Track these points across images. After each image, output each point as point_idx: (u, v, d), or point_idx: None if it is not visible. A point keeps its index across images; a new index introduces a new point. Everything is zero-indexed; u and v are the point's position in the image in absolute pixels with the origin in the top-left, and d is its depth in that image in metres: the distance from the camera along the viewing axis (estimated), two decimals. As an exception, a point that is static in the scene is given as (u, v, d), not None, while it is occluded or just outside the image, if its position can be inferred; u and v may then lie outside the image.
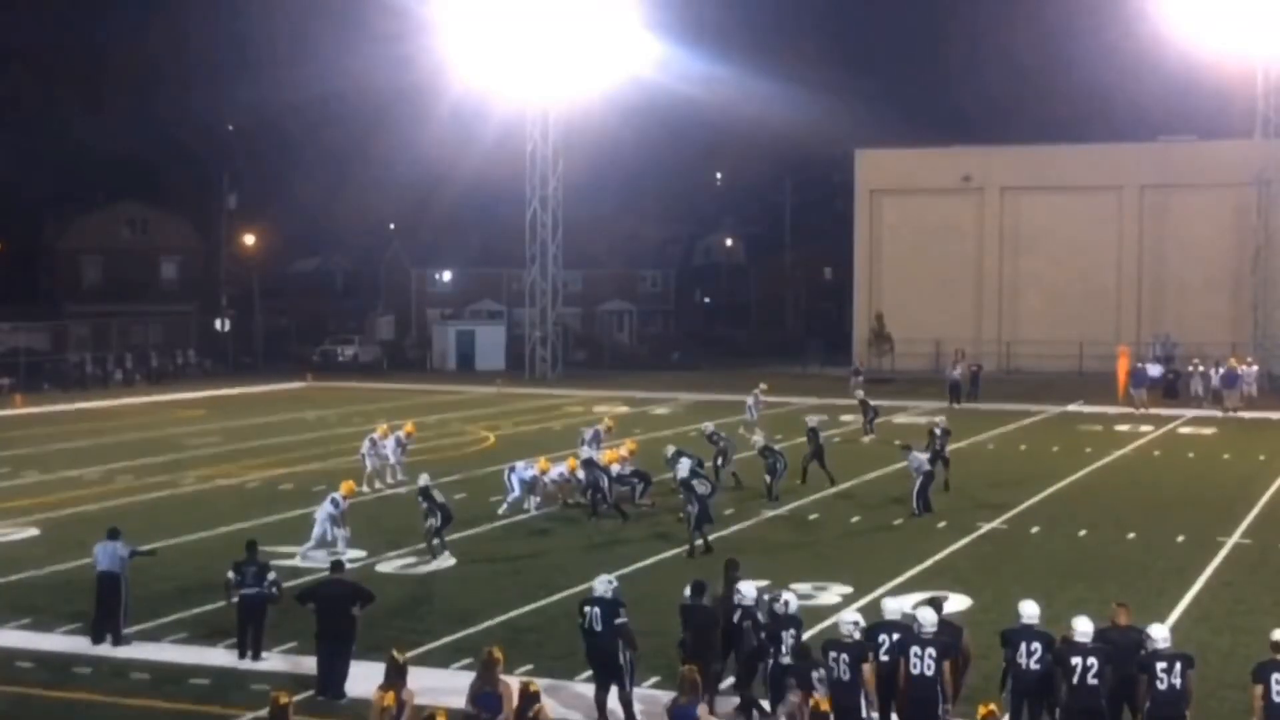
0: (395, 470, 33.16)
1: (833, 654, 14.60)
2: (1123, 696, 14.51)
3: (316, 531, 24.44)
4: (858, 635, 14.85)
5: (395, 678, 13.98)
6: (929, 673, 14.50)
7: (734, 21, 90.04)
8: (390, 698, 13.61)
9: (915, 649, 14.61)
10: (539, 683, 14.40)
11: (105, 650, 19.02)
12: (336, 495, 24.85)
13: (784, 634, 15.55)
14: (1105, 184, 68.40)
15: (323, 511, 24.61)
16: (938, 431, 32.45)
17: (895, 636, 15.04)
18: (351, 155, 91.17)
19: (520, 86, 63.36)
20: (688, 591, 16.64)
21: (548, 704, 13.57)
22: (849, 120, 78.68)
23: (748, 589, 16.44)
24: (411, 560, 24.75)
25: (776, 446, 31.67)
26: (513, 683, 14.46)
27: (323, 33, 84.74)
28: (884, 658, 14.97)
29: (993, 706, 13.00)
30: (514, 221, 67.99)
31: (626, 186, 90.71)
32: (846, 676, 14.44)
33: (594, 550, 25.54)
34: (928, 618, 14.86)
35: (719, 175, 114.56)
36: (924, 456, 30.02)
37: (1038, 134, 74.83)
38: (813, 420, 35.22)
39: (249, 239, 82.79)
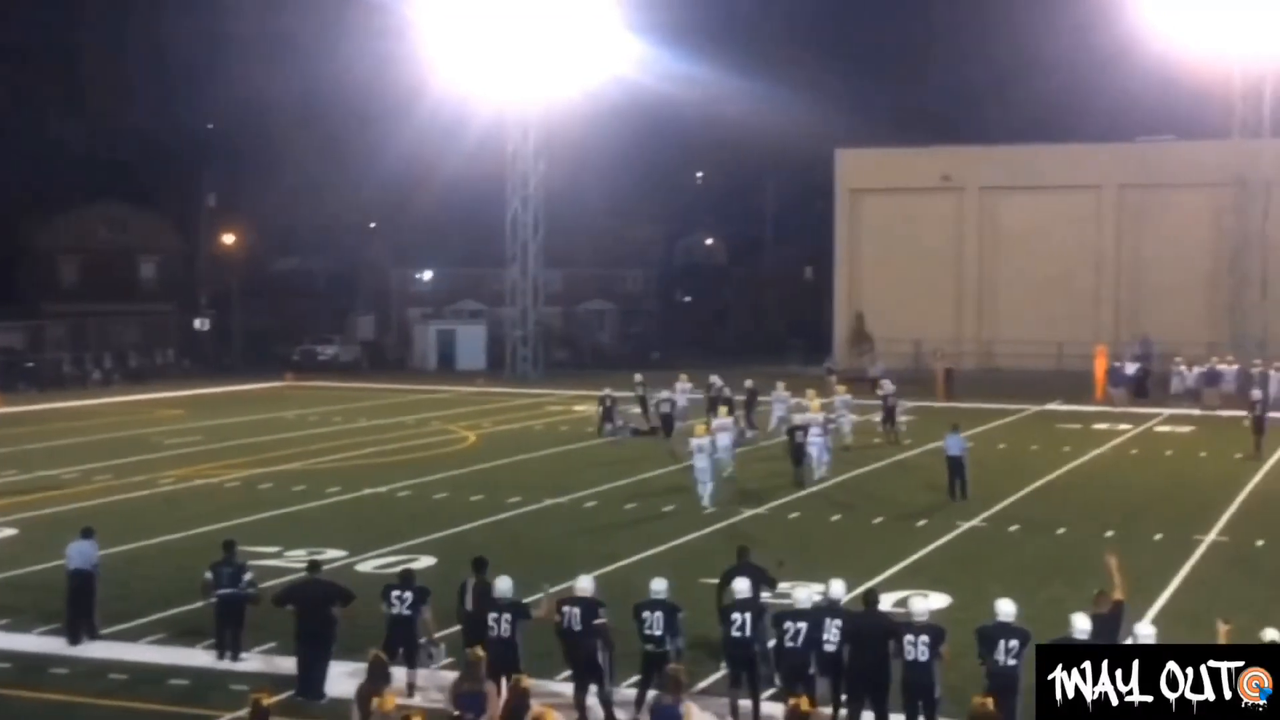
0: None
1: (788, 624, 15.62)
2: None
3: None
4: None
5: (381, 679, 13.95)
6: (923, 659, 14.83)
7: (714, 22, 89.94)
8: (390, 702, 13.51)
9: (909, 636, 14.97)
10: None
11: (82, 651, 18.97)
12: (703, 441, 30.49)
13: (733, 615, 16.02)
14: (1084, 184, 68.62)
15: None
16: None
17: (800, 624, 15.52)
18: (332, 155, 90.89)
19: (501, 86, 63.30)
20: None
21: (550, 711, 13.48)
22: (829, 120, 78.69)
23: (741, 585, 16.60)
24: (391, 560, 24.71)
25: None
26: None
27: (302, 32, 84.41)
28: (789, 644, 15.50)
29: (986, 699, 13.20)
30: (495, 221, 67.96)
31: (607, 186, 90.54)
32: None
33: (574, 548, 25.55)
34: (917, 607, 15.53)
35: (699, 175, 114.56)
36: (962, 440, 31.19)
37: (1016, 134, 74.99)
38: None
39: (228, 238, 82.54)
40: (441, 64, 62.09)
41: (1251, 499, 31.41)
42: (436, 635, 17.38)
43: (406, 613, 17.06)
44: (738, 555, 18.67)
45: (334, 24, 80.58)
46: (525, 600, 17.28)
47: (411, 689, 16.75)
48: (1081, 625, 14.72)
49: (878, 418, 42.00)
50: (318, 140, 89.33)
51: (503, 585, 16.72)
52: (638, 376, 46.54)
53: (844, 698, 15.69)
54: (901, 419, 42.34)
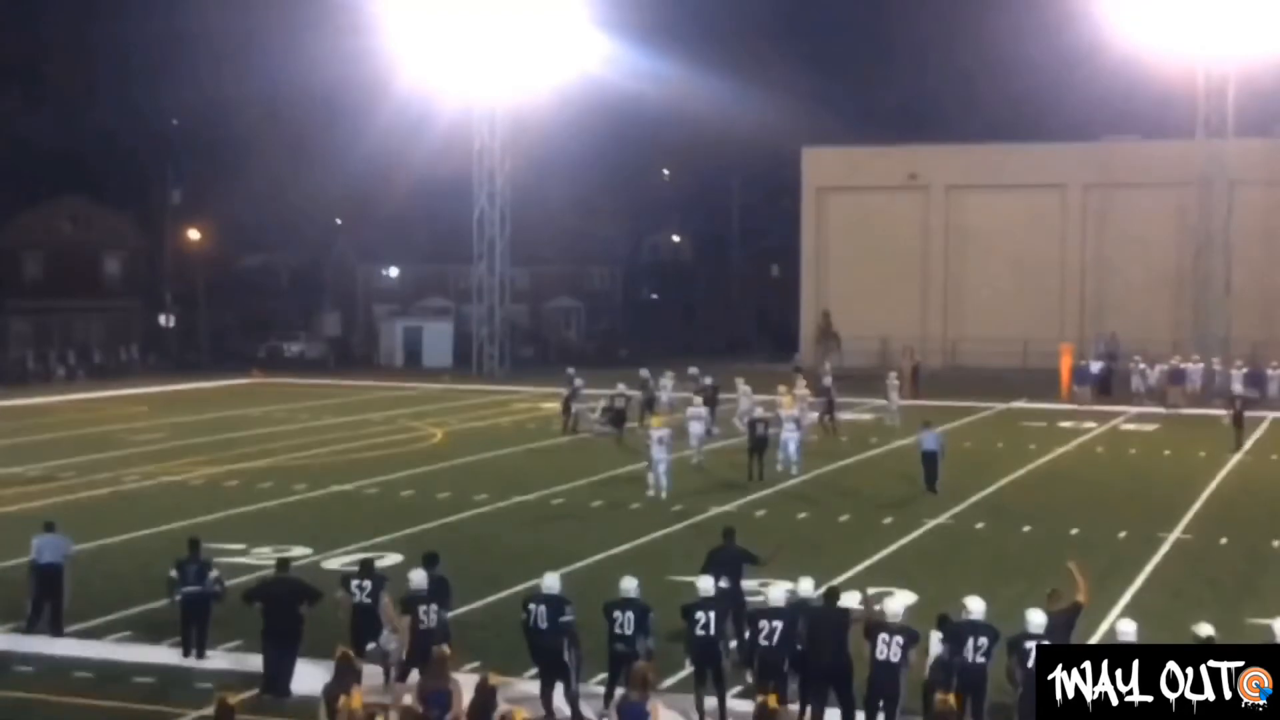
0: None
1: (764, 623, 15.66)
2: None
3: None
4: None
5: (348, 677, 13.88)
6: (894, 659, 14.79)
7: (682, 19, 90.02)
8: (357, 700, 13.44)
9: (883, 635, 14.95)
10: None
11: (47, 648, 18.83)
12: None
13: (697, 614, 15.98)
14: (1049, 183, 68.98)
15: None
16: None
17: (776, 623, 15.57)
18: (298, 151, 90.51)
19: (468, 83, 63.18)
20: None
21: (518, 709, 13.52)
22: (796, 118, 78.87)
23: (704, 583, 16.62)
24: (358, 557, 24.59)
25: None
26: (462, 679, 14.43)
27: (268, 28, 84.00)
28: (764, 642, 15.53)
29: (948, 697, 13.23)
30: (462, 218, 67.82)
31: (574, 184, 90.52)
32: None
33: (542, 546, 25.50)
34: (892, 607, 15.43)
35: (666, 173, 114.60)
36: (937, 436, 31.76)
37: (982, 133, 75.33)
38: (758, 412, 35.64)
39: (194, 235, 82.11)
40: (408, 60, 61.92)
41: (1216, 497, 31.63)
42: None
43: (367, 600, 17.22)
44: (723, 536, 19.31)
45: (300, 20, 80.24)
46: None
47: (386, 675, 16.73)
48: (1037, 620, 14.82)
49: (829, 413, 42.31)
50: (283, 136, 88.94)
51: (417, 579, 17.00)
52: (570, 372, 45.53)
53: (802, 694, 15.71)
54: (872, 412, 42.87)
